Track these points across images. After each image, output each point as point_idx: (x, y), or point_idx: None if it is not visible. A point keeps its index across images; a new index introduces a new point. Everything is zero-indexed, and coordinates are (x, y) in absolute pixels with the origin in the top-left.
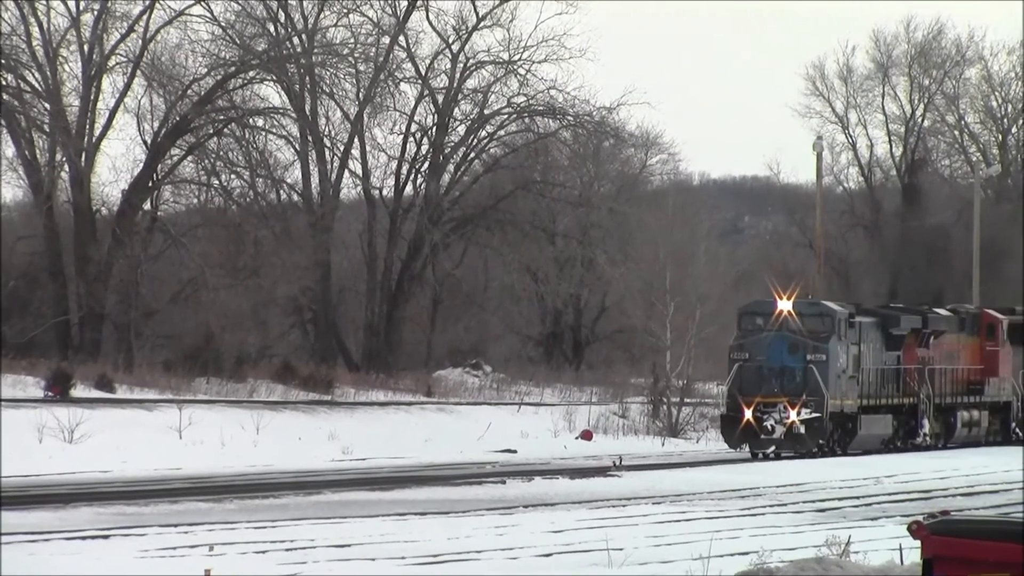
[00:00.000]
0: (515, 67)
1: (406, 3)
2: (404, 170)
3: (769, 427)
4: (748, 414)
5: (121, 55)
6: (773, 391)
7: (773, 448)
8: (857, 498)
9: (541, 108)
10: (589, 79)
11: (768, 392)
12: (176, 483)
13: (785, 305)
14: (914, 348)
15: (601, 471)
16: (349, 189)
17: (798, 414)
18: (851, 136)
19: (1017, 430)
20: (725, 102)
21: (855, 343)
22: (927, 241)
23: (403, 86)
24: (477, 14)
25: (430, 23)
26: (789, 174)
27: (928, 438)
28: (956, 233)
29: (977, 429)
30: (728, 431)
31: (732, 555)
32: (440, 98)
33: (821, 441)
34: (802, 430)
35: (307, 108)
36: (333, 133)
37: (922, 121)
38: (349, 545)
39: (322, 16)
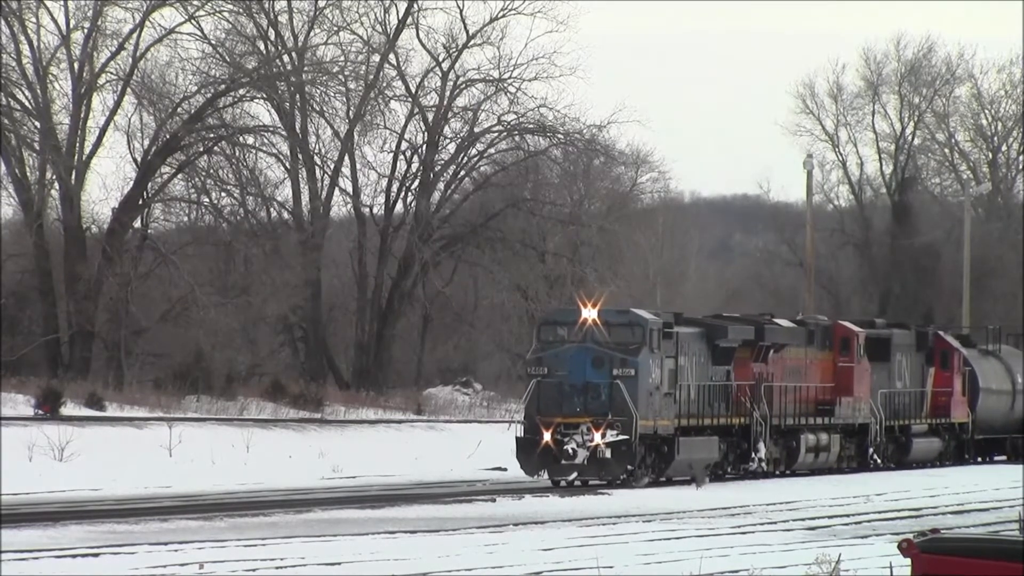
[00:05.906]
0: (505, 85)
1: (396, 21)
2: (394, 188)
3: (570, 451)
4: (547, 436)
5: (111, 73)
6: (575, 411)
7: (575, 475)
8: (847, 516)
9: (531, 126)
10: (579, 97)
11: (570, 412)
12: (166, 501)
13: (589, 314)
14: (748, 363)
15: (592, 489)
16: (339, 207)
17: (603, 436)
18: (841, 154)
19: (875, 456)
20: (716, 120)
21: (672, 356)
22: (917, 259)
23: (393, 104)
24: (467, 32)
25: (420, 41)
26: (779, 192)
27: (763, 463)
28: (946, 251)
29: (826, 455)
30: (525, 456)
31: (722, 573)
32: (430, 116)
33: (630, 467)
34: (608, 454)
35: (297, 126)
36: (323, 151)
37: (912, 139)
38: (339, 563)
39: (312, 34)
